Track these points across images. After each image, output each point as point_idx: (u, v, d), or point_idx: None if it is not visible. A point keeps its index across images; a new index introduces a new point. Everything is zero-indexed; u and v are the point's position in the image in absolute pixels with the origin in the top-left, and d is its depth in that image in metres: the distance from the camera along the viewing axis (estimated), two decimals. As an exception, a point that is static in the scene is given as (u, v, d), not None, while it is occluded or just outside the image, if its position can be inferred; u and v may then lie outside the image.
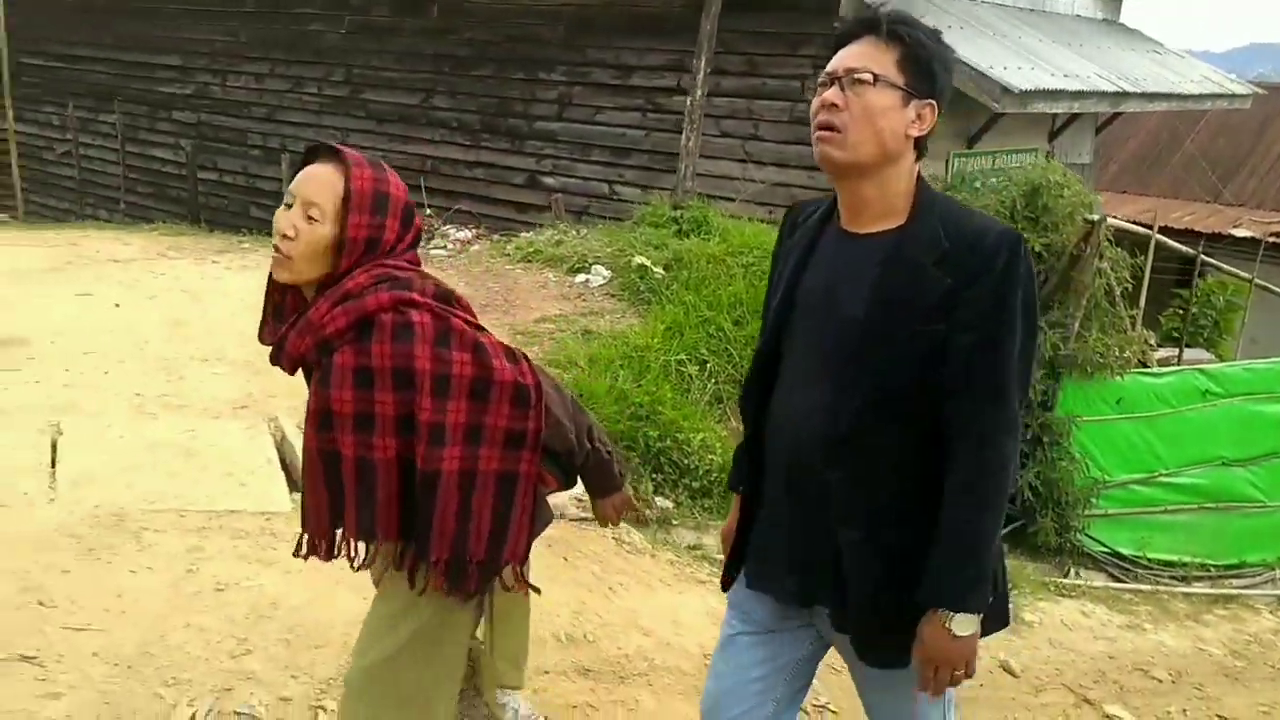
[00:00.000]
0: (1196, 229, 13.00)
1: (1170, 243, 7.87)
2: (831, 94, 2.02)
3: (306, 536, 2.19)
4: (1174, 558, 8.02)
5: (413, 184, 12.23)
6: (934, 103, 2.03)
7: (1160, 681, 4.67)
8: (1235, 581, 8.10)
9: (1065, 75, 8.88)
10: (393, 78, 12.38)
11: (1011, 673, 4.42)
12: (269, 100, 13.68)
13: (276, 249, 2.07)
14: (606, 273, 6.99)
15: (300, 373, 2.20)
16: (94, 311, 5.87)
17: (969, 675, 2.04)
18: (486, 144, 11.67)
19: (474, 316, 2.21)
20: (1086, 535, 7.33)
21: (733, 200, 9.61)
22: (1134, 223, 8.02)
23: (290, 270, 2.08)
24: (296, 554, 2.20)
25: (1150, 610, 5.56)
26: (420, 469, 2.06)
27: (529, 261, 7.54)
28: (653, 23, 10.27)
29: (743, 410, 2.28)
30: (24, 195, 16.58)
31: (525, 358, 2.21)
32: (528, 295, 6.79)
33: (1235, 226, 12.92)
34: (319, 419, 2.08)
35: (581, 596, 3.89)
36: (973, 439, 1.98)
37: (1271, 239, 12.09)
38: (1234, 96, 11.44)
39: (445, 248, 8.68)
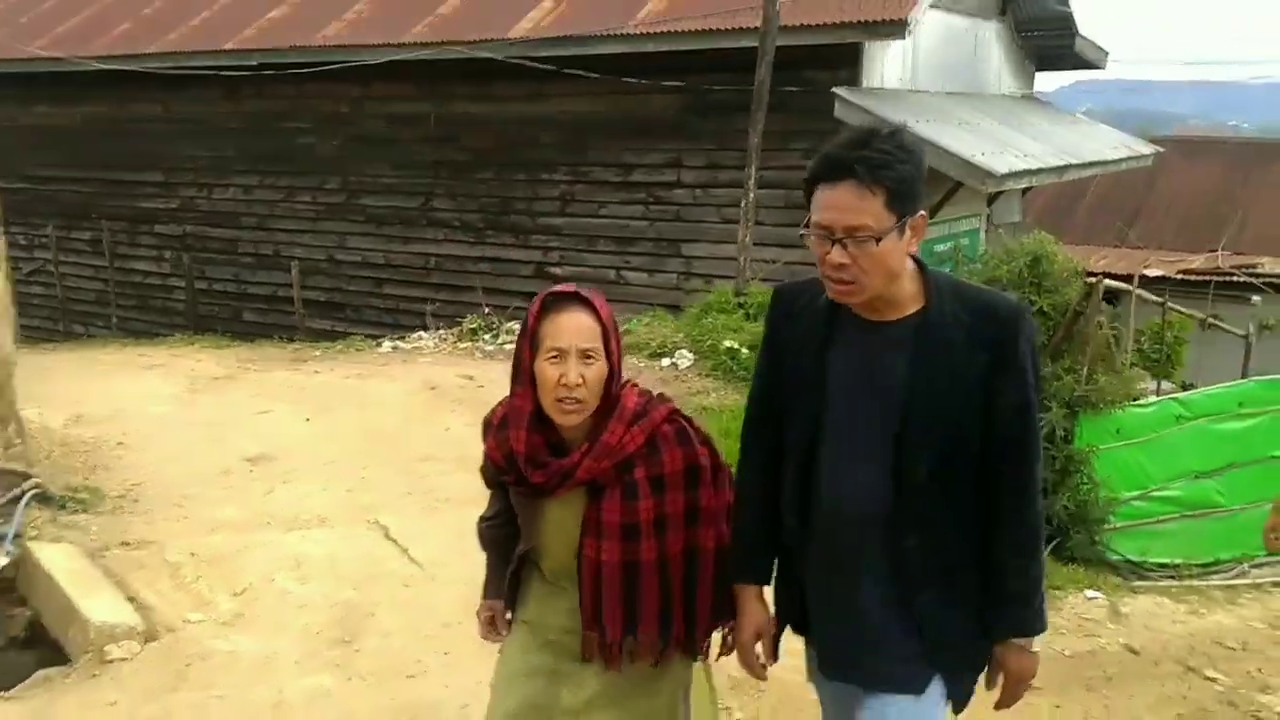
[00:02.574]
0: (1113, 271, 14.70)
1: (1144, 293, 9.33)
2: (837, 255, 2.10)
3: (608, 647, 2.31)
4: (1168, 560, 9.38)
5: (418, 280, 13.16)
6: (923, 212, 2.17)
7: (1234, 650, 5.87)
8: (1214, 577, 9.50)
9: (1025, 155, 10.36)
10: (390, 183, 13.18)
11: (1134, 652, 5.57)
12: (258, 210, 14.31)
13: (567, 400, 2.19)
14: (690, 356, 8.04)
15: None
16: (293, 426, 6.63)
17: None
18: (491, 240, 12.57)
19: None
20: (1106, 547, 8.61)
21: (733, 278, 10.77)
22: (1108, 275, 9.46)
23: (583, 412, 2.21)
24: (586, 658, 2.33)
25: (1197, 599, 6.79)
26: (710, 548, 2.35)
27: (633, 385, 8.52)
28: (649, 125, 11.39)
29: (791, 502, 2.33)
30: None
31: None
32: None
33: (1146, 267, 14.59)
34: (623, 531, 2.24)
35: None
36: (1022, 493, 2.23)
37: (1179, 275, 13.83)
38: (1143, 157, 13.18)
39: (512, 341, 9.52)
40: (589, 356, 2.18)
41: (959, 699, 2.35)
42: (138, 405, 7.12)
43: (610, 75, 10.97)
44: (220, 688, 3.55)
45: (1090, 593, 6.56)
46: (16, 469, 4.75)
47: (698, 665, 2.50)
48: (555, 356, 2.18)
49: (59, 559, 4.22)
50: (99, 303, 15.94)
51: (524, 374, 2.23)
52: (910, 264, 2.19)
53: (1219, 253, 14.55)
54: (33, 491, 4.64)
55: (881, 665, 2.28)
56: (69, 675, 3.61)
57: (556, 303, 2.23)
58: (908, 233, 2.12)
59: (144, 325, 15.22)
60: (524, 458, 2.24)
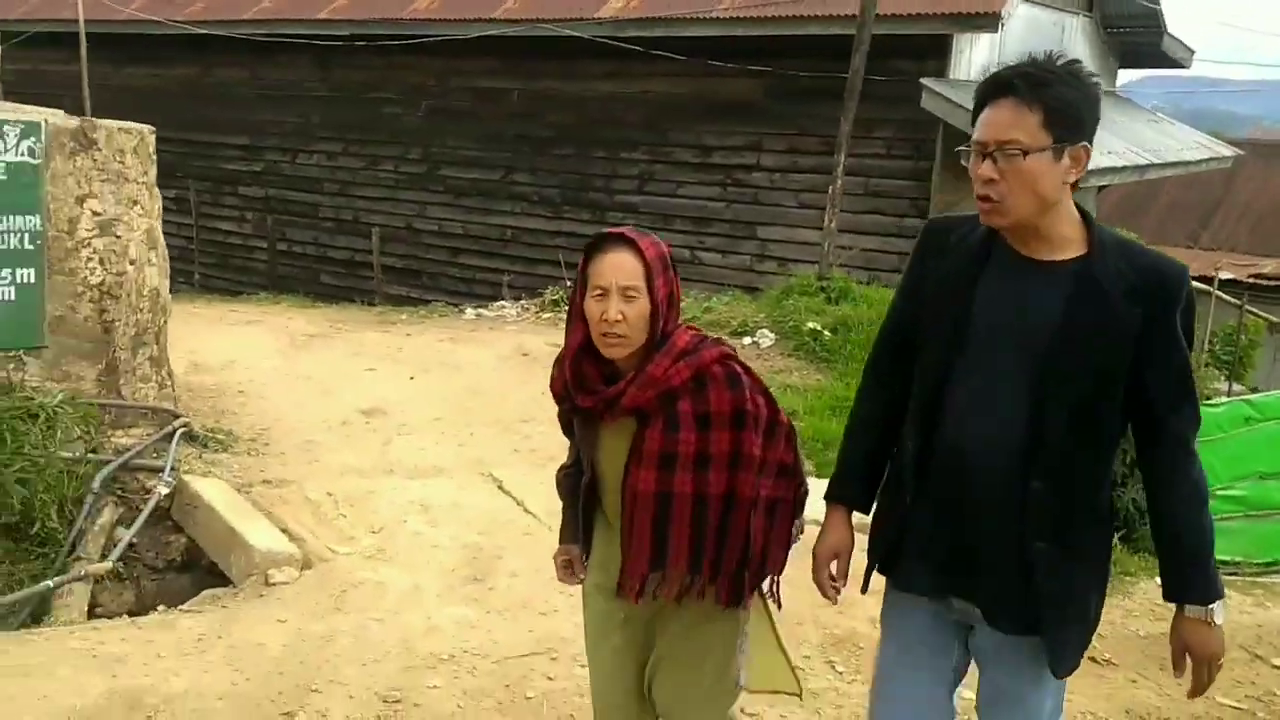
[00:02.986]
0: (1184, 273, 14.76)
1: (1223, 295, 9.45)
2: (986, 169, 2.12)
3: (631, 577, 2.36)
4: (1228, 557, 9.52)
5: (494, 252, 13.48)
6: (1086, 144, 2.13)
7: (1300, 642, 6.06)
8: (1275, 575, 9.63)
9: (1109, 152, 10.47)
10: (471, 156, 13.50)
11: (1205, 639, 5.79)
12: (341, 176, 14.70)
13: (610, 334, 2.27)
14: (772, 335, 8.28)
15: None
16: (398, 384, 6.96)
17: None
18: (568, 215, 12.86)
19: None
20: (1169, 540, 8.80)
21: (813, 263, 10.98)
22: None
23: (626, 346, 2.29)
24: (620, 594, 2.37)
25: (1262, 592, 6.97)
26: (747, 495, 2.34)
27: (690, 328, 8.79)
28: (732, 108, 11.60)
29: (918, 413, 2.32)
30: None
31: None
32: (714, 356, 8.05)
33: (1218, 269, 14.63)
34: (660, 460, 2.30)
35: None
36: (1187, 450, 2.21)
37: (1250, 279, 13.86)
38: (1222, 159, 13.21)
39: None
40: (630, 294, 2.25)
41: (1065, 663, 2.26)
42: (248, 357, 7.47)
43: (695, 57, 11.20)
44: (375, 612, 3.87)
45: (1160, 579, 6.77)
46: (169, 408, 5.09)
47: (757, 605, 2.52)
48: (600, 294, 2.27)
49: (214, 491, 4.56)
50: (182, 259, 16.36)
51: (575, 312, 2.35)
52: (1074, 210, 2.19)
53: (1292, 256, 14.56)
54: (182, 430, 4.97)
55: (1008, 604, 2.24)
56: (236, 595, 3.94)
57: (603, 243, 2.32)
58: (1065, 159, 2.11)
59: (225, 283, 15.69)
60: (572, 383, 2.36)
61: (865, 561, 2.45)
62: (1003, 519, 2.21)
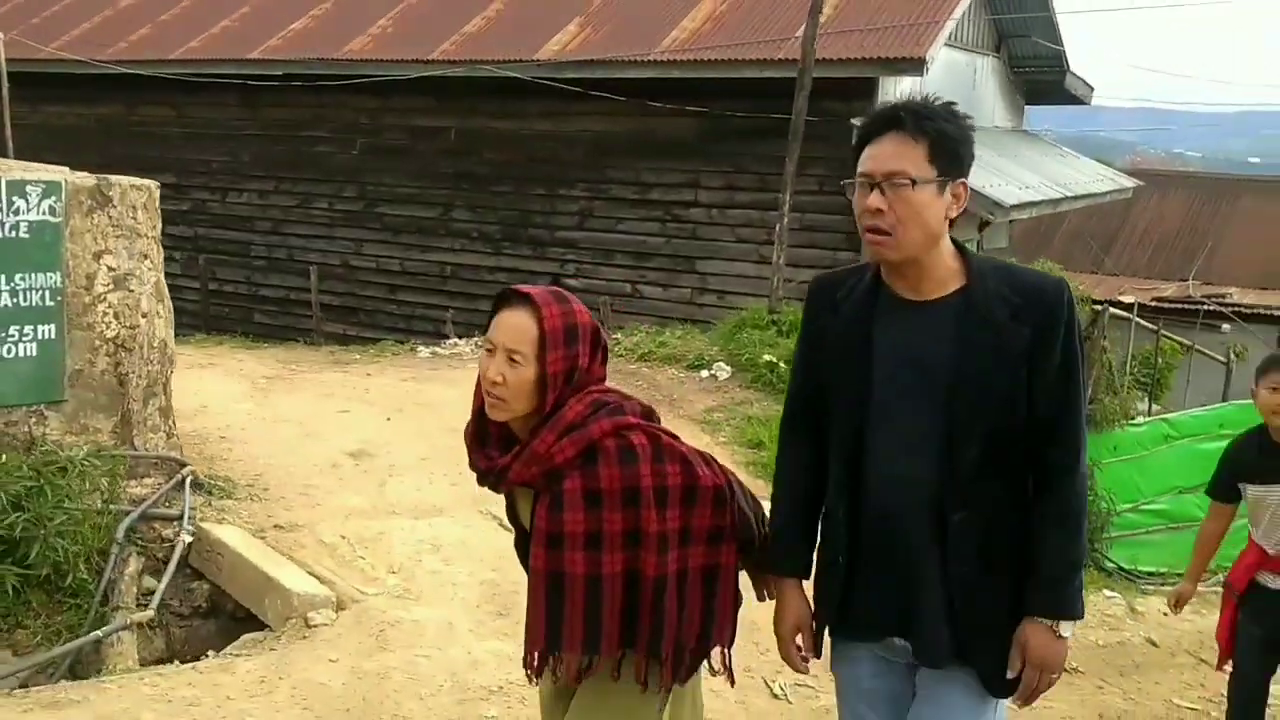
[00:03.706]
0: (1092, 297, 15.52)
1: (1142, 321, 10.07)
2: (874, 200, 2.16)
3: (529, 653, 2.30)
4: (1153, 569, 10.10)
5: (434, 288, 13.60)
6: (965, 180, 2.21)
7: (1239, 646, 6.55)
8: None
9: (1026, 186, 11.08)
10: (408, 193, 13.62)
11: (1154, 644, 6.21)
12: (273, 214, 14.68)
13: (489, 395, 2.23)
14: (729, 368, 8.60)
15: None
16: (377, 425, 7.08)
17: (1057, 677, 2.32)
18: (508, 251, 13.07)
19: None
20: (1104, 555, 9.31)
21: (751, 295, 11.35)
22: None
23: (505, 411, 2.23)
24: (526, 670, 2.33)
25: (1198, 601, 7.47)
26: (651, 576, 2.22)
27: (645, 361, 9.07)
28: (669, 146, 11.97)
29: (838, 469, 2.34)
30: None
31: (715, 461, 2.38)
32: (673, 390, 8.32)
33: (1121, 294, 15.42)
34: (549, 540, 2.21)
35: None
36: (1067, 470, 2.23)
37: (1153, 303, 14.66)
38: (1125, 189, 14.01)
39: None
40: (515, 359, 2.19)
41: (999, 684, 2.30)
42: (217, 402, 7.51)
43: (632, 97, 11.54)
44: (419, 649, 4.04)
45: (1108, 592, 7.23)
46: (176, 457, 5.19)
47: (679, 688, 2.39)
48: (489, 350, 2.24)
49: (237, 538, 4.67)
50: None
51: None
52: (950, 244, 2.24)
53: (1190, 282, 15.41)
54: (189, 478, 5.07)
55: (935, 638, 2.27)
56: (279, 638, 4.07)
57: (508, 300, 2.27)
58: (948, 195, 2.17)
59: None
60: (472, 442, 2.35)
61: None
62: (930, 554, 2.25)
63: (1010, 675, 2.29)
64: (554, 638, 2.24)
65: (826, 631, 2.46)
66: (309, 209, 14.38)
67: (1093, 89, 14.89)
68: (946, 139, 2.16)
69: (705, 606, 2.31)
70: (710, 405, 7.97)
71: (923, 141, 2.14)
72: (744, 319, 9.30)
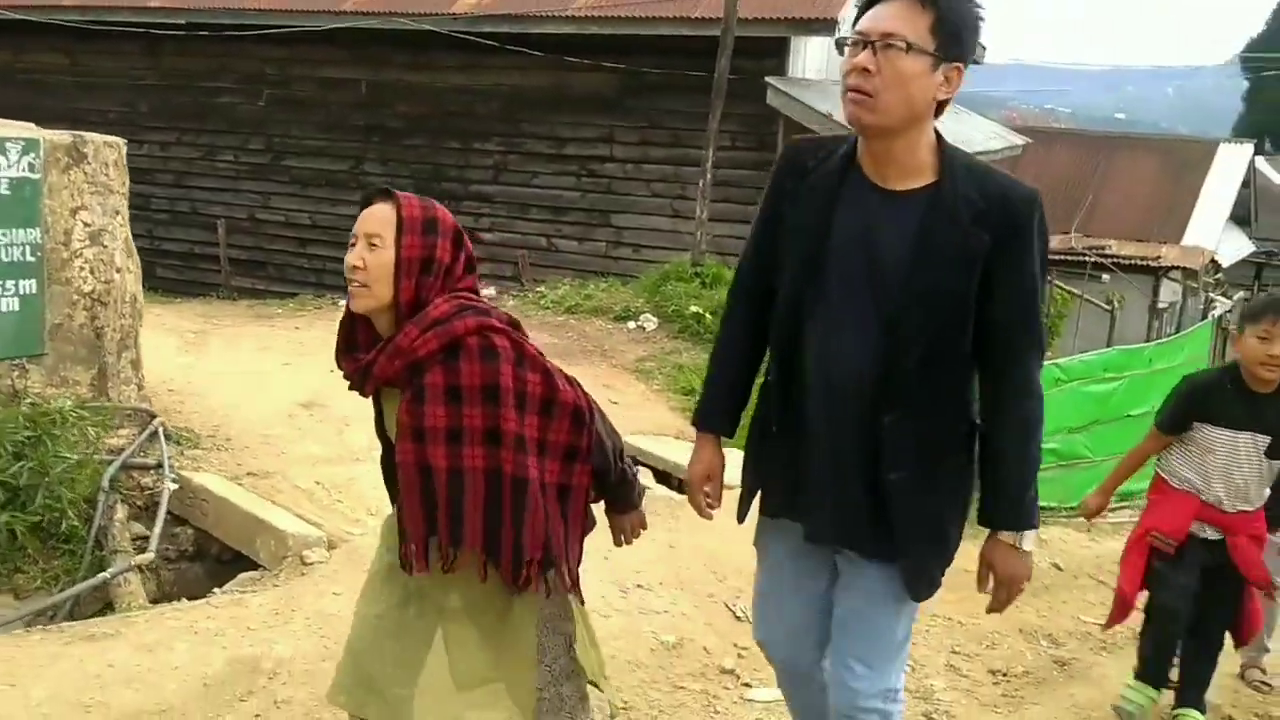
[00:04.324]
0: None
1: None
2: (864, 58, 2.06)
3: (407, 546, 2.31)
4: (1046, 503, 10.84)
5: (343, 242, 13.56)
6: (961, 65, 2.11)
7: (1132, 568, 7.18)
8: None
9: (929, 144, 11.60)
10: (317, 146, 13.51)
11: (1059, 568, 6.78)
12: (175, 167, 14.38)
13: (351, 282, 2.26)
14: (655, 319, 8.92)
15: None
16: (321, 375, 7.11)
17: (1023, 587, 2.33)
18: (422, 205, 13.12)
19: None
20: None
21: (665, 249, 11.67)
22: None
23: (367, 297, 2.25)
24: (403, 566, 2.33)
25: (1092, 530, 8.13)
26: (510, 473, 2.25)
27: (572, 313, 9.34)
28: (584, 101, 12.14)
29: (777, 345, 2.33)
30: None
31: (578, 383, 2.40)
32: (604, 341, 8.61)
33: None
34: (412, 434, 2.24)
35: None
36: (1022, 379, 2.22)
37: (1053, 256, 15.47)
38: (1016, 147, 14.69)
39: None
40: (374, 242, 2.23)
41: (920, 588, 2.32)
42: (155, 356, 7.54)
43: (548, 52, 11.68)
44: (414, 583, 4.30)
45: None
46: (147, 408, 5.30)
47: (576, 608, 2.48)
48: (352, 243, 2.28)
49: (217, 484, 4.83)
50: None
51: None
52: (932, 136, 2.18)
53: (1072, 234, 16.25)
54: (160, 429, 5.20)
55: (856, 532, 2.29)
56: (278, 576, 4.28)
57: (369, 198, 2.33)
58: (940, 75, 2.09)
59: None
60: (341, 346, 2.38)
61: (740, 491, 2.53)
62: (860, 449, 2.23)
63: (981, 591, 2.36)
64: (432, 524, 2.27)
65: (754, 503, 2.49)
66: (214, 161, 14.15)
67: (985, 48, 15.48)
68: (954, 14, 2.09)
69: (550, 521, 2.31)
70: (641, 355, 8.29)
71: (930, 10, 2.07)
72: (667, 272, 9.61)
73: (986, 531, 2.37)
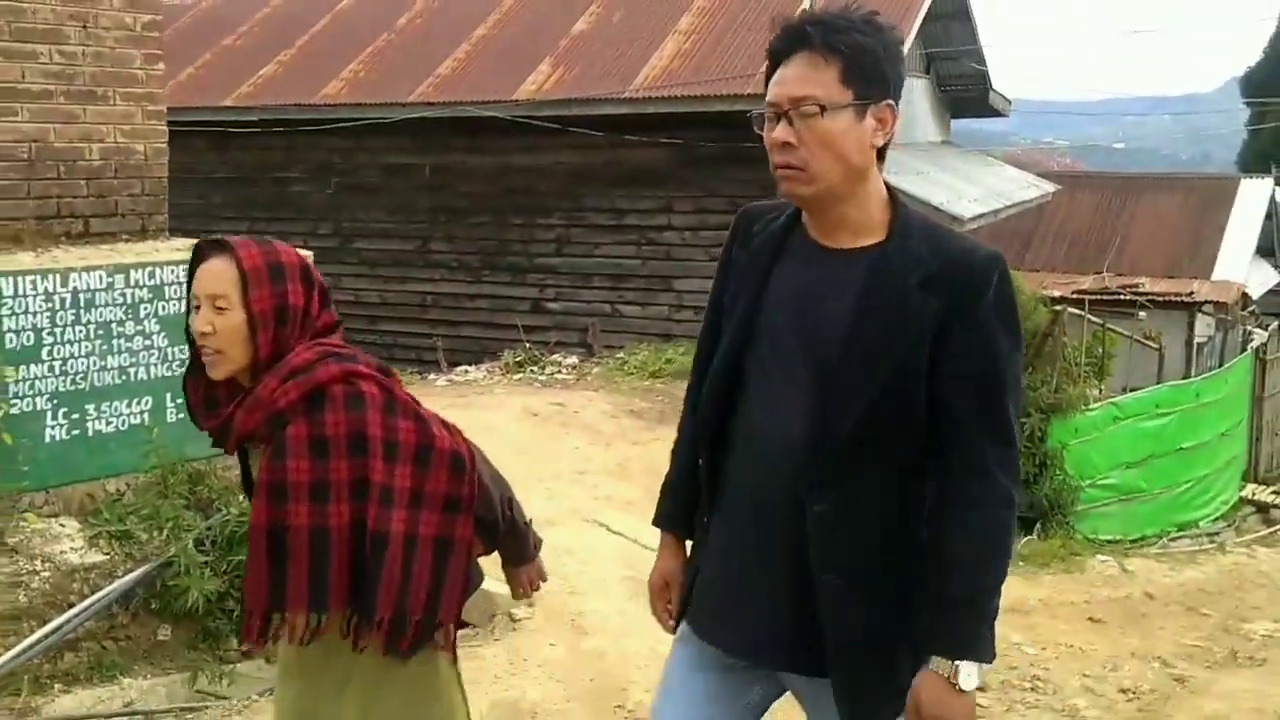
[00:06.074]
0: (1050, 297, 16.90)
1: (1089, 316, 11.28)
2: (781, 132, 1.88)
3: (248, 619, 2.15)
4: (1108, 536, 11.33)
5: (414, 318, 14.23)
6: (891, 102, 1.90)
7: (1213, 594, 7.65)
8: (1149, 548, 11.48)
9: (974, 200, 12.26)
10: (385, 227, 14.21)
11: (1151, 597, 7.29)
12: (247, 254, 15.09)
13: (203, 350, 2.12)
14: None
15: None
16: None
17: None
18: (487, 279, 13.76)
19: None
20: (1073, 528, 10.49)
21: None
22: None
23: (225, 363, 2.13)
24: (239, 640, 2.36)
25: (1171, 561, 8.62)
26: (371, 529, 2.12)
27: (656, 377, 9.92)
28: (641, 174, 12.83)
29: (701, 432, 2.09)
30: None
31: (458, 430, 2.30)
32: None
33: (1044, 288, 16.77)
34: (269, 491, 2.11)
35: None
36: (976, 477, 1.88)
37: (1075, 295, 16.05)
38: (1047, 194, 15.38)
39: (561, 372, 10.79)
40: (220, 305, 2.10)
41: (861, 715, 1.94)
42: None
43: (607, 131, 12.38)
44: (613, 633, 4.80)
45: (1101, 557, 8.30)
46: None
47: (448, 668, 2.35)
48: (196, 306, 2.13)
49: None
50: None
51: None
52: (884, 190, 1.96)
53: (1105, 274, 16.86)
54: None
55: (774, 643, 2.01)
56: (492, 631, 4.82)
57: (201, 252, 2.17)
58: (869, 120, 1.88)
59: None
60: (197, 404, 2.24)
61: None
62: (790, 548, 1.94)
63: None
64: (277, 596, 2.12)
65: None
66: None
67: (1010, 102, 16.26)
68: (864, 55, 1.87)
69: (434, 579, 2.18)
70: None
71: (835, 60, 1.87)
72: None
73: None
